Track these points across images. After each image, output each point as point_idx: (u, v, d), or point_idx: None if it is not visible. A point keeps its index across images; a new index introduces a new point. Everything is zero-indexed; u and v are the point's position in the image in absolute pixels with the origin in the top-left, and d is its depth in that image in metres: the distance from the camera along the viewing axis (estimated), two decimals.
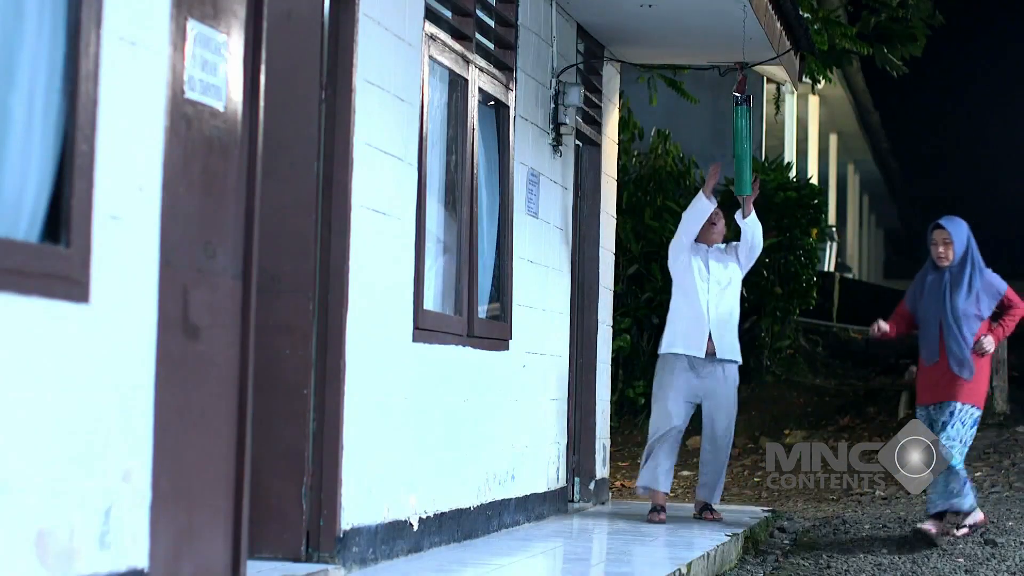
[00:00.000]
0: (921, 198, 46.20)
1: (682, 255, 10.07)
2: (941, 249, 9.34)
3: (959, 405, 9.22)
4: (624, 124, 14.93)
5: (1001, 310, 9.43)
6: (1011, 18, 39.28)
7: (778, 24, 10.54)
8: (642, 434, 14.60)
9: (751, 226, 10.24)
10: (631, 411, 15.71)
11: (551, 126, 9.96)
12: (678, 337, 10.06)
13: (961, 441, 9.21)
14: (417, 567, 7.11)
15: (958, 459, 9.22)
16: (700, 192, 10.10)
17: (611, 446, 11.88)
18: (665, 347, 10.12)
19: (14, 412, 4.20)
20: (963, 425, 9.22)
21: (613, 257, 11.48)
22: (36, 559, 4.28)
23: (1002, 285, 9.39)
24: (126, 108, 4.76)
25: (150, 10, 4.93)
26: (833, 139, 28.48)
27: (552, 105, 9.97)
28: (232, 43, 5.46)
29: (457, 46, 8.20)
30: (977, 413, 9.28)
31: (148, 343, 4.92)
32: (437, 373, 7.89)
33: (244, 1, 5.55)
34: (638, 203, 14.94)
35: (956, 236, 9.32)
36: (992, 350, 9.33)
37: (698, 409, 10.40)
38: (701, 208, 10.03)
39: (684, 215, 10.14)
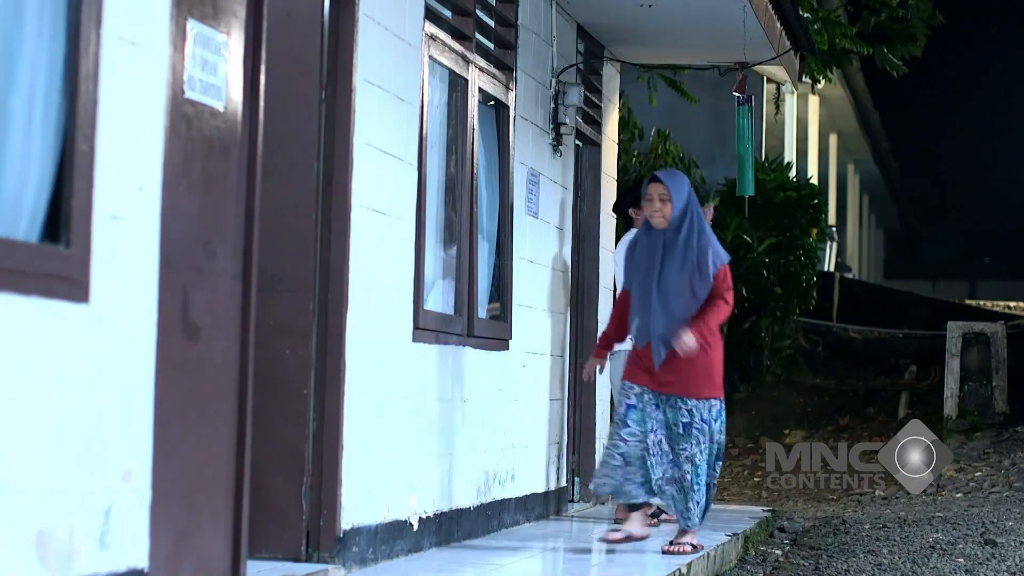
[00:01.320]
0: (921, 198, 46.23)
1: None
2: (657, 205, 7.76)
3: (704, 402, 7.82)
4: (624, 124, 14.93)
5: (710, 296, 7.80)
6: (1011, 18, 39.29)
7: (778, 24, 10.54)
8: None
9: None
10: None
11: (551, 126, 9.97)
12: None
13: (714, 440, 7.87)
14: (417, 567, 7.11)
15: (715, 470, 7.97)
16: None
17: None
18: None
19: (14, 412, 4.20)
20: (716, 420, 7.85)
21: (613, 257, 11.48)
22: (36, 559, 4.28)
23: (719, 260, 7.76)
24: (126, 108, 4.76)
25: (150, 10, 4.93)
26: (833, 139, 28.48)
27: (552, 105, 9.97)
28: (232, 43, 5.47)
29: (457, 46, 8.21)
30: (720, 405, 7.87)
31: (148, 343, 4.92)
32: (437, 373, 7.90)
33: (244, 1, 5.55)
34: None
35: (675, 192, 7.78)
36: (693, 348, 7.68)
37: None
38: None
39: None
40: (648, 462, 7.85)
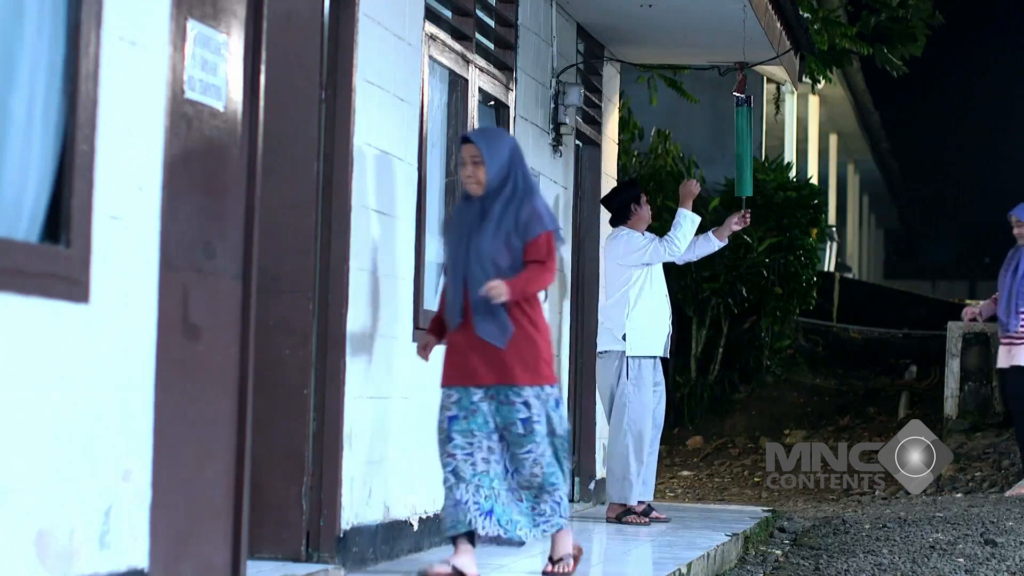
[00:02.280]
0: (921, 198, 46.23)
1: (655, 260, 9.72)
2: (469, 170, 6.67)
3: (537, 389, 6.66)
4: (624, 124, 14.94)
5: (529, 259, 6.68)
6: (1012, 18, 39.30)
7: (778, 24, 10.55)
8: None
9: (710, 248, 9.90)
10: None
11: (551, 126, 9.97)
12: (654, 337, 9.65)
13: (559, 433, 6.73)
14: (417, 567, 7.10)
15: (563, 467, 6.78)
16: (687, 211, 9.60)
17: None
18: (640, 350, 9.61)
19: (14, 412, 4.20)
20: (555, 410, 6.71)
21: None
22: (36, 559, 4.28)
23: (542, 226, 6.67)
24: (126, 108, 4.76)
25: (150, 10, 4.94)
26: (833, 139, 28.47)
27: (552, 105, 9.97)
28: (232, 43, 5.47)
29: (457, 46, 8.21)
30: (557, 392, 6.76)
31: (148, 343, 4.92)
32: (437, 373, 7.88)
33: (244, 1, 5.55)
34: None
35: (490, 154, 6.67)
36: (502, 298, 6.52)
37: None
38: (696, 223, 9.74)
39: (685, 232, 9.57)
40: (485, 480, 6.70)
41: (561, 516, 6.76)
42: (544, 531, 6.78)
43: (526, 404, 6.62)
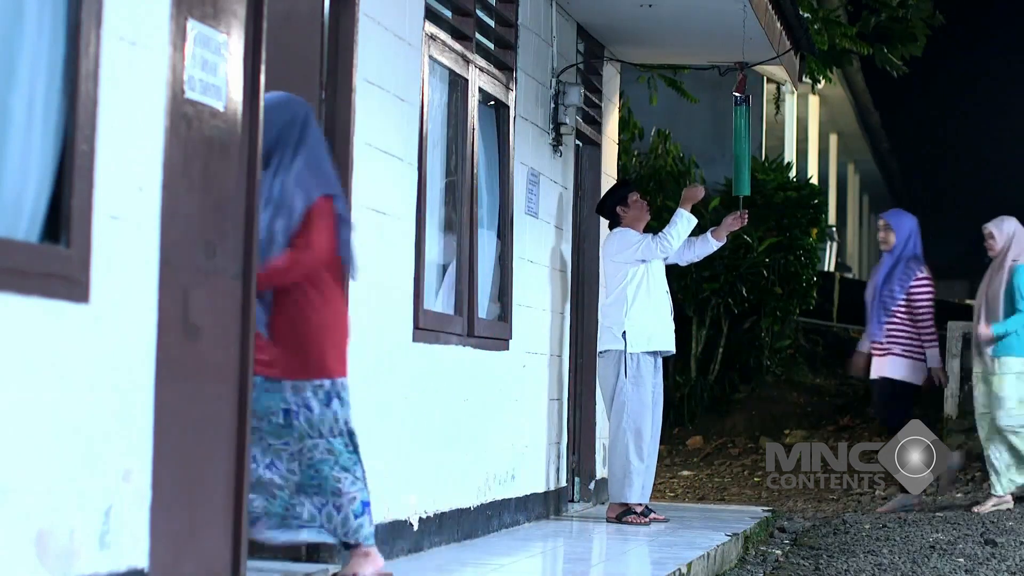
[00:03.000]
0: (921, 198, 46.23)
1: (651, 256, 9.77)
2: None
3: (304, 384, 5.84)
4: (624, 124, 14.94)
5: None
6: (1012, 18, 39.32)
7: (778, 24, 10.55)
8: None
9: (709, 248, 9.94)
10: None
11: (551, 126, 9.97)
12: (654, 334, 9.73)
13: (333, 433, 5.87)
14: (417, 567, 7.11)
15: (337, 468, 5.87)
16: (685, 212, 9.60)
17: None
18: (639, 347, 9.64)
19: (14, 412, 4.20)
20: (327, 406, 5.85)
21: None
22: (36, 559, 4.28)
23: (312, 191, 5.81)
24: (126, 108, 4.76)
25: (150, 10, 4.94)
26: (833, 139, 28.48)
27: (552, 105, 9.97)
28: (232, 43, 5.47)
29: (457, 46, 8.21)
30: (327, 384, 5.85)
31: (148, 343, 4.92)
32: (437, 373, 7.90)
33: (244, 1, 5.55)
34: None
35: (269, 118, 5.76)
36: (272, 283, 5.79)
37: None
38: (691, 224, 9.74)
39: (679, 231, 9.62)
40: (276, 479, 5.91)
41: (352, 530, 5.92)
42: (327, 534, 5.94)
43: (286, 397, 5.84)
